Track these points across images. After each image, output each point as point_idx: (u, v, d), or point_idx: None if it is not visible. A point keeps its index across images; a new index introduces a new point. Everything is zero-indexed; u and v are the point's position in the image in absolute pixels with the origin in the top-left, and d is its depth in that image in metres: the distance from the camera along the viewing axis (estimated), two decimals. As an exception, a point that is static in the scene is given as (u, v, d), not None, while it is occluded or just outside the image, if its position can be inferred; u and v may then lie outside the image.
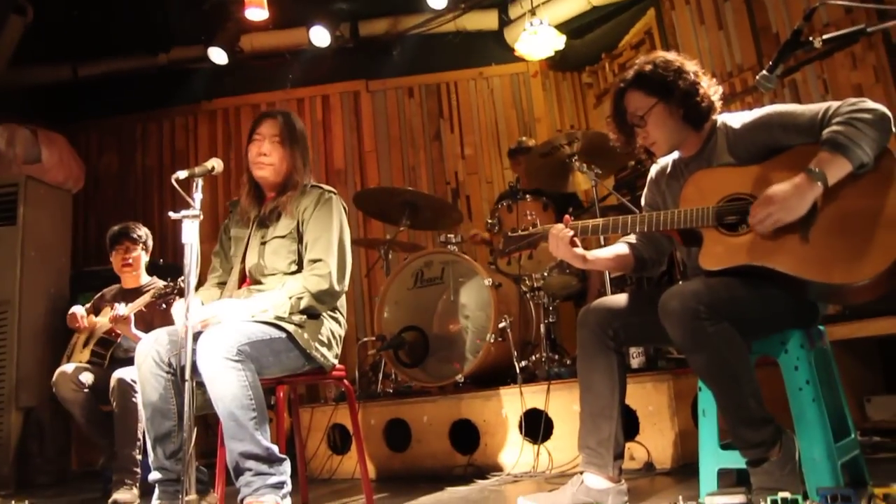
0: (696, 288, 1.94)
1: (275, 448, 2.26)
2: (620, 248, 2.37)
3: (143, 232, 3.96)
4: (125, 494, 3.27)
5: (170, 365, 2.35)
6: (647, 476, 2.87)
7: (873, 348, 3.60)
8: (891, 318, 3.12)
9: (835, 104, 1.97)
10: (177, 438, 2.32)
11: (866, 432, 3.06)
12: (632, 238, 2.38)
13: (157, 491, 2.33)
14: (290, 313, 2.45)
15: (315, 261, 2.55)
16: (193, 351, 2.18)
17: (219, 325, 2.34)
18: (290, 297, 2.46)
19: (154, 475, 2.33)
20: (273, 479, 2.21)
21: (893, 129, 1.92)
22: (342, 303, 2.71)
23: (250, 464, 2.20)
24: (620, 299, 2.25)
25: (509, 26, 6.07)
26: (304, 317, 2.50)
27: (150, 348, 2.37)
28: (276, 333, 2.38)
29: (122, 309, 3.46)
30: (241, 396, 2.19)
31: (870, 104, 1.92)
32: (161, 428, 2.32)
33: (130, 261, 3.90)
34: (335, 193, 2.73)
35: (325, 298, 2.55)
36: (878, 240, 1.86)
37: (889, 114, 1.91)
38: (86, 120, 6.38)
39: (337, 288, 2.54)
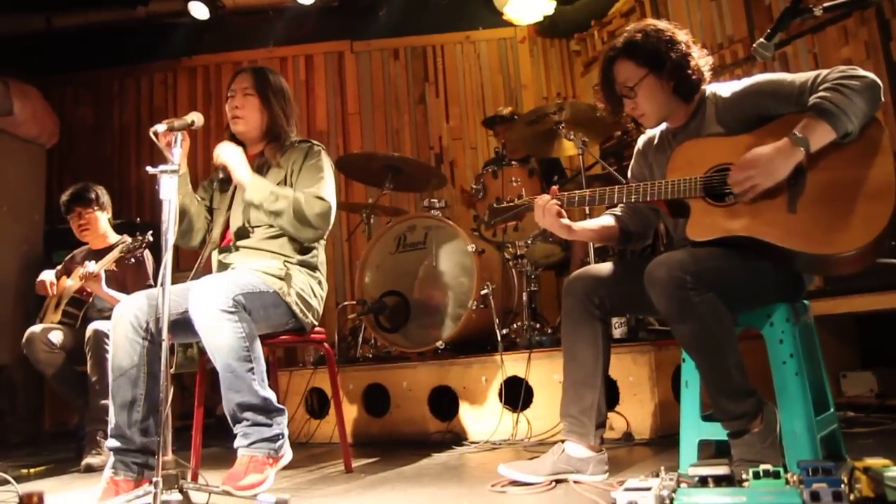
0: (682, 257, 1.92)
1: (273, 397, 2.25)
2: (606, 219, 2.35)
3: (94, 193, 3.83)
4: (96, 459, 3.23)
5: (147, 331, 2.28)
6: (626, 446, 2.88)
7: (851, 324, 3.63)
8: (869, 294, 3.14)
9: (825, 71, 1.94)
10: (142, 407, 2.25)
11: (840, 407, 3.08)
12: (618, 210, 2.36)
13: (111, 460, 2.23)
14: (261, 202, 2.49)
15: (318, 197, 2.56)
16: (188, 309, 2.20)
17: (211, 277, 2.32)
18: (272, 192, 2.50)
19: (112, 443, 2.24)
20: (269, 432, 2.22)
21: (882, 97, 1.90)
22: (322, 262, 2.67)
23: (248, 414, 2.20)
24: (607, 268, 2.23)
25: (498, -11, 5.95)
26: (287, 269, 2.47)
27: (129, 311, 2.31)
28: (265, 287, 2.37)
29: (91, 266, 3.40)
30: (238, 348, 2.17)
31: (860, 72, 1.90)
32: (128, 395, 2.25)
33: (86, 225, 3.81)
34: (323, 147, 2.74)
35: (303, 222, 2.51)
36: (864, 211, 1.85)
37: (879, 82, 1.89)
38: (60, 73, 6.18)
39: (318, 222, 2.53)
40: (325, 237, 2.67)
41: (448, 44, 6.20)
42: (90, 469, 3.18)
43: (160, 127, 2.20)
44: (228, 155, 2.57)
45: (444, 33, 6.18)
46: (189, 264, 2.77)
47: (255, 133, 2.69)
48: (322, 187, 2.58)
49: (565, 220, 2.22)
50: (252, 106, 2.66)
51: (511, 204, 2.37)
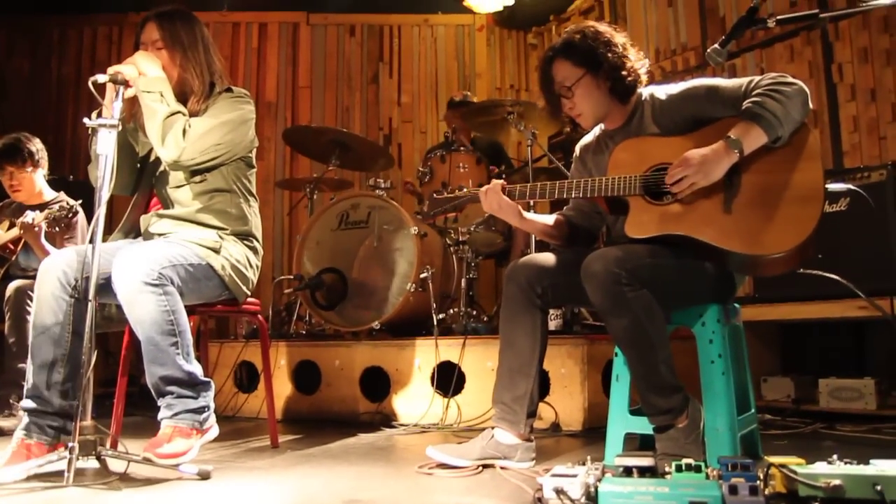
0: (619, 253, 1.96)
1: (198, 371, 2.18)
2: (555, 218, 2.38)
3: (27, 150, 3.56)
4: (8, 422, 3.09)
5: (75, 288, 2.17)
6: (554, 436, 2.92)
7: (775, 331, 3.77)
8: (794, 304, 3.26)
9: (757, 77, 2.03)
10: (63, 368, 2.15)
11: (759, 410, 3.20)
12: (567, 211, 2.40)
13: (25, 420, 2.12)
14: (146, 90, 2.27)
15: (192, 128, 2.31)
16: (105, 270, 2.10)
17: (138, 247, 2.20)
18: (163, 94, 2.28)
19: (27, 403, 2.13)
20: (195, 404, 2.16)
21: (810, 104, 1.98)
22: (257, 227, 2.56)
23: (172, 388, 2.14)
24: (550, 258, 2.24)
25: (460, -26, 5.93)
26: (221, 241, 2.38)
27: (57, 267, 2.18)
28: (196, 259, 2.27)
29: (31, 215, 3.20)
30: (161, 322, 2.09)
31: (789, 79, 1.98)
32: (49, 355, 2.14)
33: (18, 186, 3.58)
34: (246, 95, 2.52)
35: (164, 138, 2.27)
36: (794, 213, 1.93)
37: (807, 89, 1.98)
38: (-4, 15, 5.89)
39: (170, 144, 2.27)
40: (183, 166, 2.34)
41: (406, 25, 6.16)
42: (0, 432, 3.05)
43: (101, 77, 2.11)
44: (142, 55, 2.32)
45: (403, 14, 6.14)
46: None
47: (173, 89, 2.36)
48: (205, 123, 2.34)
49: (515, 204, 2.24)
50: (166, 59, 2.38)
51: (452, 195, 2.37)
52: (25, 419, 2.13)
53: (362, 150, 4.21)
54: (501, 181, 2.27)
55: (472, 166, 3.94)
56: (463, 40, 6.18)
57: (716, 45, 1.94)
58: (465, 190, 2.38)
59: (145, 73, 2.29)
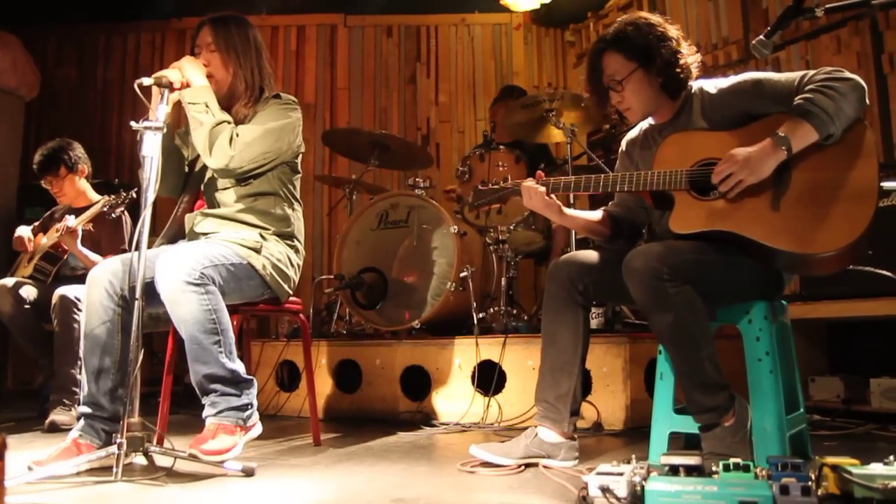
0: (660, 249, 1.94)
1: (241, 369, 2.22)
2: (598, 214, 2.35)
3: (63, 158, 3.67)
4: (63, 416, 3.17)
5: (122, 297, 2.22)
6: (596, 436, 2.89)
7: (822, 330, 3.68)
8: (841, 301, 3.18)
9: (811, 72, 1.97)
10: (115, 375, 2.20)
11: (808, 410, 3.12)
12: (610, 207, 2.37)
13: (81, 423, 2.18)
14: (192, 102, 2.31)
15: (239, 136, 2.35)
16: (150, 276, 2.16)
17: (180, 248, 2.24)
18: (208, 104, 2.32)
19: (83, 409, 2.19)
20: (238, 402, 2.20)
21: (867, 100, 1.92)
22: (300, 230, 2.60)
23: (216, 386, 2.18)
24: (592, 255, 2.22)
25: (497, -27, 5.90)
26: (263, 240, 2.41)
27: (103, 277, 2.24)
28: (237, 259, 2.30)
29: (71, 220, 3.32)
30: (204, 320, 2.12)
31: (846, 74, 1.92)
32: (100, 363, 2.19)
33: (59, 192, 3.72)
34: (293, 102, 2.56)
35: (210, 147, 2.31)
36: (846, 212, 1.87)
37: (863, 84, 1.91)
38: (44, 24, 6.02)
39: (218, 154, 2.31)
40: (231, 174, 2.40)
41: (442, 25, 6.16)
42: (55, 427, 3.12)
43: (146, 80, 2.15)
44: (187, 61, 2.36)
45: (440, 14, 6.14)
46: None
47: (223, 91, 2.44)
48: (252, 130, 2.38)
49: (555, 201, 2.22)
50: (218, 62, 2.44)
51: (496, 186, 2.36)
52: (81, 423, 2.19)
53: (401, 149, 4.22)
54: (539, 172, 2.26)
55: (510, 164, 3.92)
56: (500, 39, 6.16)
57: (761, 37, 1.89)
58: (509, 182, 2.37)
59: (190, 80, 2.32)
